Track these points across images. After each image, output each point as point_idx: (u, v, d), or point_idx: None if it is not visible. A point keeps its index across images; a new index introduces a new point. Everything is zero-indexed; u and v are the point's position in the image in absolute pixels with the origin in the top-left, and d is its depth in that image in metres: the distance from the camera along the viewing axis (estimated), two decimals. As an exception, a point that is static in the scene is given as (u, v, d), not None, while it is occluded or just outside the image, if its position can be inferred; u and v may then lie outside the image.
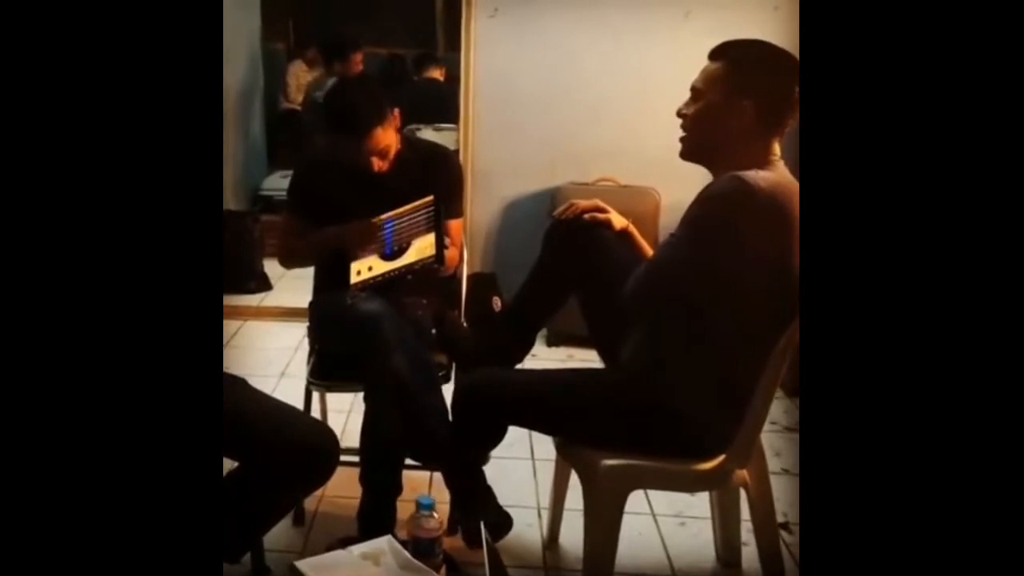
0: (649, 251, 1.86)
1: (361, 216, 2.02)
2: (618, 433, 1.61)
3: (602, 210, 1.84)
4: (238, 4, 4.57)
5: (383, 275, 1.98)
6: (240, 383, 1.74)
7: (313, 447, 1.61)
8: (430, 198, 1.98)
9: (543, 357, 3.16)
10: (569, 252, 1.81)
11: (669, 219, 3.25)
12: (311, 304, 2.15)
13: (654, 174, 3.21)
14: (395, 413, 1.79)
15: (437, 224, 1.95)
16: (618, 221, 1.84)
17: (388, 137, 1.99)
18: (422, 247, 1.95)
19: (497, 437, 1.77)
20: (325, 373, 2.01)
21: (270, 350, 3.17)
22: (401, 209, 2.01)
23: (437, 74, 4.26)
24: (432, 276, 1.93)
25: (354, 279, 2.02)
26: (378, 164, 2.00)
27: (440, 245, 1.92)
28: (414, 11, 6.31)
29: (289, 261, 2.18)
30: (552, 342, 3.23)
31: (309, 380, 2.02)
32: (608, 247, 1.80)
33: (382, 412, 1.81)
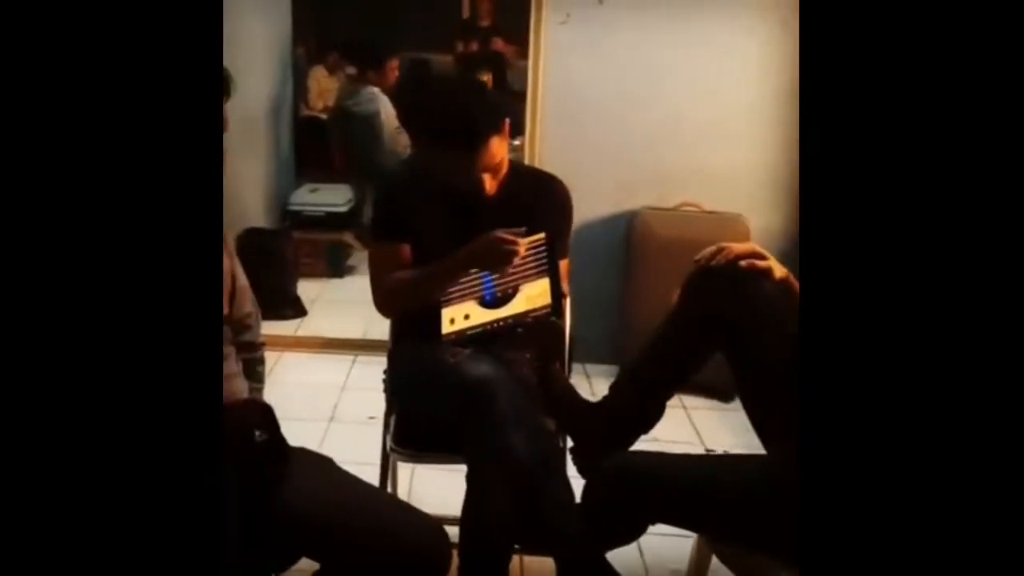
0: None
1: (459, 248, 1.70)
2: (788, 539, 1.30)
3: (761, 256, 1.53)
4: (267, 8, 4.26)
5: (484, 326, 1.67)
6: (327, 464, 1.43)
7: (423, 551, 1.31)
8: (542, 235, 1.67)
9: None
10: (720, 305, 1.51)
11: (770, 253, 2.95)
12: (392, 354, 1.83)
13: (739, 198, 2.93)
14: (508, 500, 1.48)
15: (552, 267, 1.64)
16: (779, 270, 1.54)
17: (502, 150, 1.69)
18: (533, 294, 1.64)
19: (636, 534, 1.46)
20: (412, 440, 1.70)
21: (312, 387, 2.86)
22: (522, 242, 1.69)
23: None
24: (544, 330, 1.63)
25: (447, 328, 1.71)
26: (489, 183, 1.70)
27: (557, 293, 1.61)
28: (441, 13, 6.02)
29: (394, 302, 1.78)
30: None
31: (392, 447, 1.70)
32: (768, 301, 1.50)
33: (492, 498, 1.49)
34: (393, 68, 4.19)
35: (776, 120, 2.91)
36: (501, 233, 1.63)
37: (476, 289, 1.70)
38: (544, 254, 1.65)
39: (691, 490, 1.39)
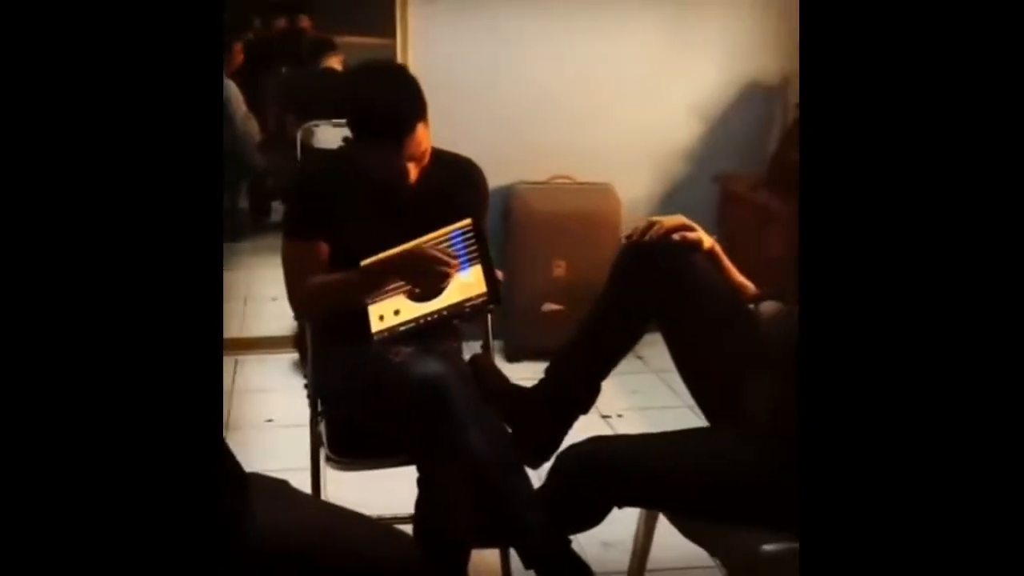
0: (734, 271, 1.62)
1: (381, 244, 1.64)
2: (772, 508, 1.34)
3: (691, 228, 1.57)
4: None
5: (417, 321, 1.61)
6: (282, 488, 1.34)
7: (399, 567, 1.27)
8: (468, 222, 1.63)
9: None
10: (653, 280, 1.53)
11: (631, 218, 3.05)
12: (316, 357, 1.74)
13: (609, 170, 3.01)
14: (468, 497, 1.45)
15: (483, 253, 1.61)
16: (707, 240, 1.59)
17: (427, 138, 1.63)
18: (467, 283, 1.60)
19: (599, 518, 1.48)
20: (350, 446, 1.62)
21: (251, 392, 2.70)
22: (434, 235, 1.64)
23: (335, 63, 3.82)
24: (482, 319, 1.60)
25: (376, 326, 1.64)
26: (413, 172, 1.63)
27: (492, 279, 1.58)
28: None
29: (313, 307, 1.70)
30: (514, 357, 2.94)
31: (329, 456, 1.62)
32: (700, 273, 1.54)
33: (452, 497, 1.46)
34: (238, 51, 4.00)
35: (639, 93, 3.00)
36: (433, 251, 1.59)
37: (425, 279, 1.64)
38: (473, 240, 1.62)
39: (656, 472, 1.41)
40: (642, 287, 1.54)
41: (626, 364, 3.02)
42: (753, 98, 3.09)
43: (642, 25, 2.95)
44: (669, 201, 3.12)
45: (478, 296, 1.58)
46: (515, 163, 2.96)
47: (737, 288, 1.58)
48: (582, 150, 2.99)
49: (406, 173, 1.61)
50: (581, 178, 2.95)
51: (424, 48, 2.83)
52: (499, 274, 1.60)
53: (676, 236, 1.54)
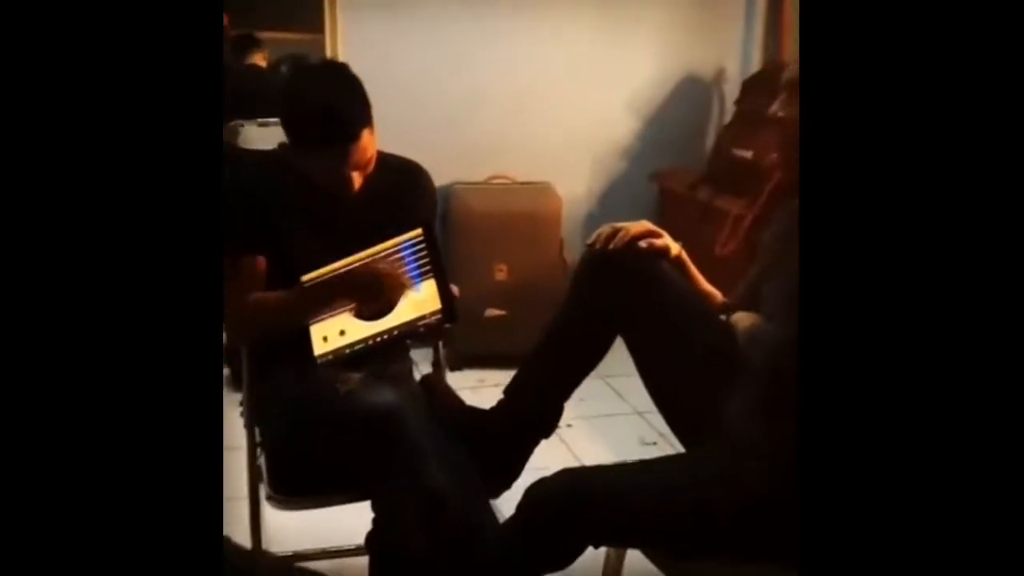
0: (701, 278, 1.54)
1: (323, 257, 1.50)
2: (770, 539, 1.18)
3: (657, 234, 1.49)
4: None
5: (366, 342, 1.49)
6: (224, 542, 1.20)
7: None
8: (419, 232, 1.51)
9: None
10: (620, 290, 1.44)
11: (571, 217, 2.97)
12: (252, 381, 1.58)
13: (547, 169, 2.91)
14: (430, 532, 1.33)
15: (436, 265, 1.49)
16: (673, 247, 1.51)
17: (373, 144, 1.50)
18: (419, 299, 1.48)
19: (573, 558, 1.37)
20: (291, 484, 1.47)
21: None
22: (382, 247, 1.50)
23: (259, 59, 3.59)
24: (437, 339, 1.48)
25: (320, 348, 1.50)
26: (357, 180, 1.50)
27: (447, 295, 1.47)
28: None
29: (250, 328, 1.54)
30: (456, 364, 2.83)
31: (270, 496, 1.47)
32: (669, 281, 1.46)
33: (412, 534, 1.33)
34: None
35: (576, 90, 2.92)
36: (383, 267, 1.46)
37: (367, 295, 1.51)
38: (425, 252, 1.50)
39: (640, 508, 1.26)
40: (608, 297, 1.45)
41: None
42: (688, 93, 3.05)
43: (577, 21, 2.87)
44: (608, 199, 3.05)
45: (432, 314, 1.47)
46: (451, 163, 2.83)
47: (705, 297, 1.50)
48: (519, 149, 2.89)
49: (350, 183, 1.48)
50: (520, 177, 2.85)
51: (354, 44, 2.68)
52: (454, 289, 1.49)
53: (643, 243, 1.45)
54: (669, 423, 1.49)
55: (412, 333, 1.47)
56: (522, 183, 2.84)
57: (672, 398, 1.46)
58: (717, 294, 1.52)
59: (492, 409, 1.54)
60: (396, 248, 1.51)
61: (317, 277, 1.51)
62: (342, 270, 1.51)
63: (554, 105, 2.92)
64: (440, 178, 2.89)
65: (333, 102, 1.43)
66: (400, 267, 1.50)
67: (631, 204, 3.04)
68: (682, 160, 3.02)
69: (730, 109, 3.06)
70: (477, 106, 2.86)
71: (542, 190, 2.82)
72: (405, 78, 2.75)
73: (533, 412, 1.51)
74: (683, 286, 1.47)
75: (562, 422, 2.48)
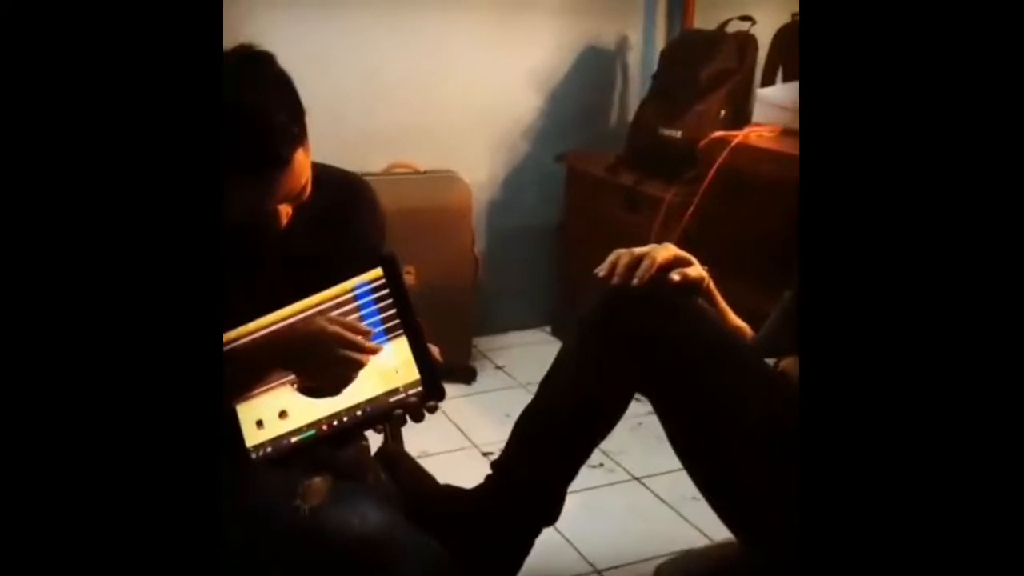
0: (730, 311, 1.27)
1: (244, 312, 1.14)
2: None
3: (687, 261, 1.19)
4: None
5: (318, 428, 1.13)
6: None
7: None
8: (377, 271, 1.16)
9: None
10: (646, 339, 1.14)
11: (483, 209, 2.65)
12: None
13: (449, 155, 2.57)
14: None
15: (406, 318, 1.15)
16: (703, 274, 1.21)
17: (308, 167, 1.13)
18: (387, 366, 1.14)
19: None
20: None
21: None
22: (327, 294, 1.15)
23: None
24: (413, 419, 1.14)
25: (254, 437, 1.14)
26: (286, 214, 1.13)
27: (427, 360, 1.14)
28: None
29: None
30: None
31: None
32: (707, 325, 1.16)
33: None
34: None
35: (472, 69, 2.59)
36: (331, 323, 1.12)
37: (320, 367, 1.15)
38: (390, 300, 1.16)
39: None
40: (631, 348, 1.15)
41: (489, 379, 2.68)
42: (591, 64, 2.78)
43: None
44: (514, 185, 2.75)
45: (408, 387, 1.13)
46: (345, 153, 2.41)
47: (743, 337, 1.25)
48: (419, 134, 2.54)
49: (276, 218, 1.11)
50: (422, 166, 2.50)
51: (241, 33, 2.21)
52: (435, 350, 1.15)
53: (675, 275, 1.15)
54: (722, 515, 1.20)
55: (381, 416, 1.13)
56: (426, 173, 2.49)
57: (723, 481, 1.17)
58: (746, 329, 1.28)
59: (477, 490, 1.24)
60: (347, 295, 1.16)
61: (236, 339, 1.14)
62: (270, 328, 1.14)
63: (452, 87, 2.58)
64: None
65: (252, 112, 1.05)
66: (355, 321, 1.16)
67: (539, 189, 2.76)
68: (587, 140, 2.77)
69: (636, 81, 2.83)
70: (370, 90, 2.48)
71: (448, 179, 2.48)
72: (288, 62, 2.32)
73: (531, 493, 1.22)
74: (723, 330, 1.19)
75: (494, 446, 2.25)
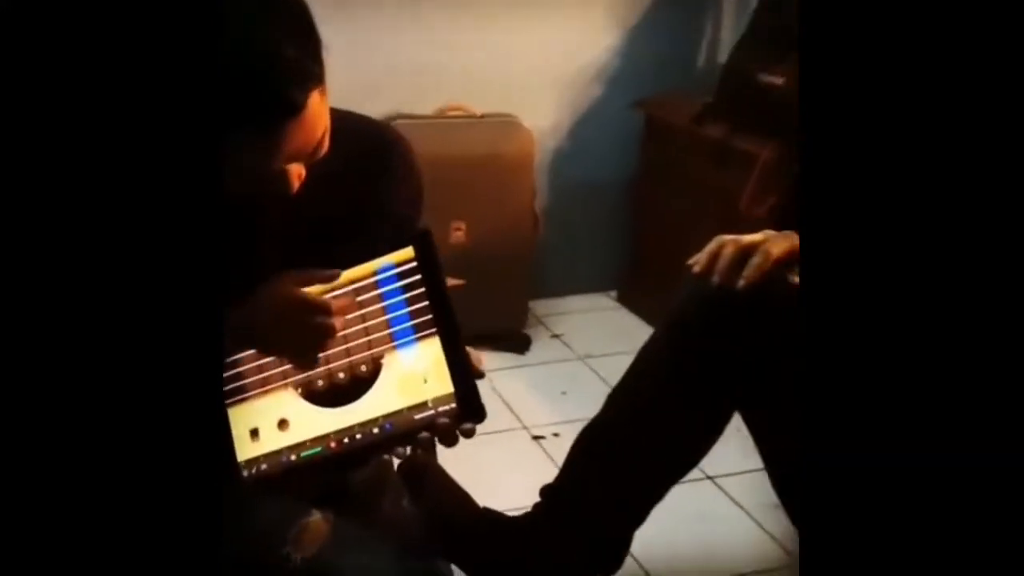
0: None
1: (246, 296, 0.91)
2: None
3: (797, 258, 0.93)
4: None
5: (325, 446, 0.90)
6: None
7: None
8: (407, 251, 0.92)
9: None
10: (753, 354, 0.90)
11: (545, 160, 2.37)
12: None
13: (511, 98, 2.29)
14: None
15: (442, 314, 0.91)
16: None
17: (325, 114, 0.88)
18: (412, 374, 0.90)
19: None
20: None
21: None
22: (344, 276, 0.92)
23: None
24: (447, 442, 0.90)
25: (248, 450, 0.92)
26: (298, 176, 0.89)
27: (464, 367, 0.89)
28: None
29: None
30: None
31: None
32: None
33: None
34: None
35: (541, 9, 2.29)
36: (298, 289, 0.89)
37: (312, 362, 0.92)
38: (421, 288, 0.91)
39: None
40: (735, 369, 0.90)
41: (544, 350, 2.42)
42: (677, 4, 2.45)
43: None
44: (582, 134, 2.46)
45: (439, 402, 0.89)
46: (392, 91, 2.19)
47: None
48: (477, 73, 2.26)
49: (286, 182, 0.87)
50: (479, 109, 2.23)
51: None
52: (478, 357, 0.91)
53: (794, 276, 0.88)
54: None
55: (403, 436, 0.89)
56: (483, 117, 2.22)
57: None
58: None
59: (524, 520, 1.01)
60: (368, 280, 0.92)
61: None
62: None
63: (514, 16, 2.28)
64: (380, 110, 2.25)
65: (253, 46, 0.79)
66: (377, 312, 0.92)
67: (612, 138, 2.45)
68: (670, 84, 2.45)
69: (731, 17, 2.49)
70: (419, 21, 2.20)
71: (508, 124, 2.21)
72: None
73: (589, 533, 0.97)
74: None
75: (546, 430, 2.02)
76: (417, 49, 2.21)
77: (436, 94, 2.23)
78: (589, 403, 2.21)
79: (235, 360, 0.93)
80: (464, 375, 0.89)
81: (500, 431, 1.97)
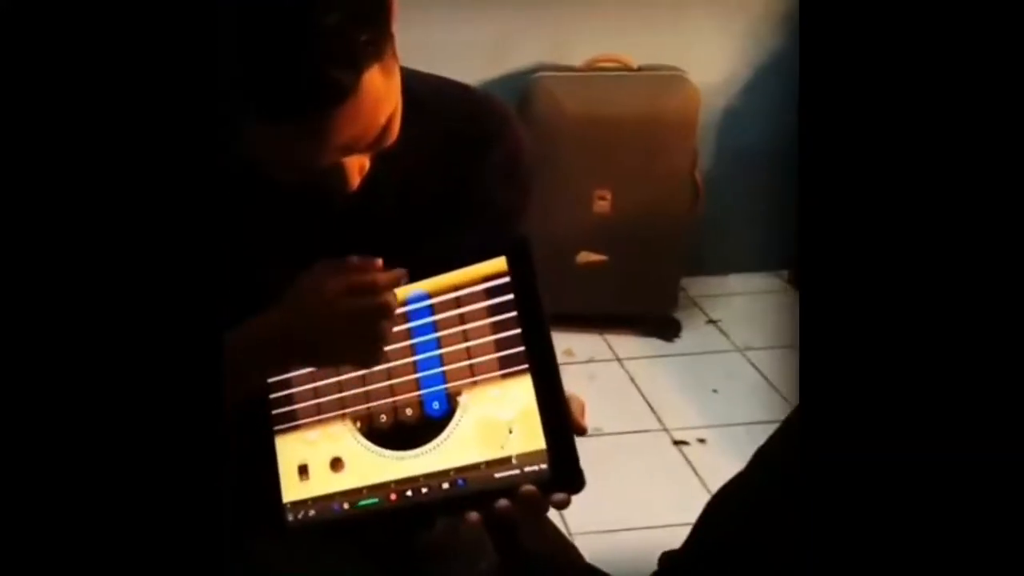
0: None
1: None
2: None
3: None
4: None
5: (386, 495, 0.72)
6: None
7: None
8: (499, 261, 0.72)
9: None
10: None
11: (713, 120, 2.07)
12: None
13: (675, 49, 2.00)
14: None
15: (538, 345, 0.70)
16: None
17: (392, 92, 0.67)
18: (495, 420, 0.70)
19: None
20: None
21: None
22: (424, 286, 0.74)
23: None
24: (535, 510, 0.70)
25: (294, 490, 0.75)
26: (359, 169, 0.70)
27: (561, 416, 0.68)
28: None
29: None
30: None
31: None
32: None
33: None
34: None
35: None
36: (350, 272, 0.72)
37: (350, 390, 0.75)
38: (513, 310, 0.70)
39: None
40: None
41: (696, 338, 2.13)
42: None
43: None
44: (758, 89, 2.14)
45: (524, 461, 0.68)
46: (533, 39, 1.96)
47: None
48: (633, 20, 1.99)
49: (342, 177, 0.68)
50: (636, 61, 1.96)
51: None
52: (580, 405, 0.69)
53: None
54: None
55: (477, 497, 0.69)
56: (639, 70, 1.94)
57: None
58: None
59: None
60: (445, 295, 0.73)
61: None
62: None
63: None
64: (516, 61, 2.03)
65: (283, 17, 0.59)
66: (454, 337, 0.72)
67: (786, 97, 2.11)
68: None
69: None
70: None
71: (671, 79, 1.92)
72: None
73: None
74: None
75: (691, 435, 1.77)
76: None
77: (586, 42, 1.98)
78: (744, 405, 1.97)
79: (285, 380, 0.77)
80: (561, 429, 0.68)
81: (636, 431, 1.75)
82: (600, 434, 1.71)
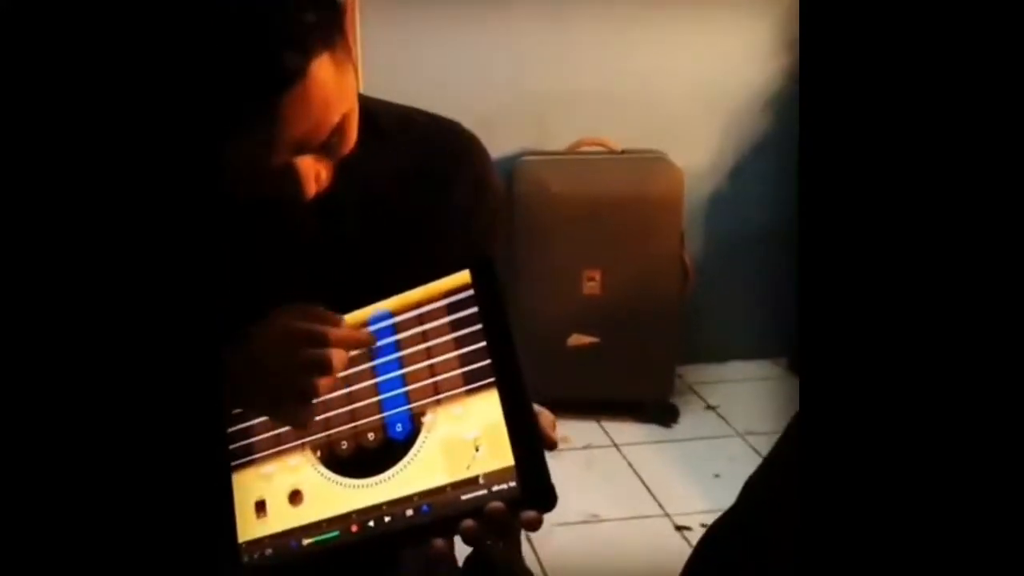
0: None
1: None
2: None
3: None
4: None
5: (347, 527, 0.66)
6: None
7: None
8: (463, 275, 0.69)
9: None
10: None
11: (690, 201, 2.08)
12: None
13: (658, 131, 2.04)
14: None
15: (502, 357, 0.66)
16: None
17: (344, 89, 0.65)
18: (460, 439, 0.65)
19: None
20: None
21: None
22: (386, 305, 0.71)
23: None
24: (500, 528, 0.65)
25: (250, 529, 0.69)
26: (316, 175, 0.67)
27: (529, 431, 0.63)
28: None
29: None
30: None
31: None
32: None
33: None
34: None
35: (693, 28, 2.05)
36: (299, 318, 0.68)
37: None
38: (476, 325, 0.67)
39: None
40: None
41: (696, 423, 2.08)
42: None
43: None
44: (743, 172, 2.16)
45: (491, 479, 0.63)
46: (520, 124, 2.00)
47: None
48: (618, 104, 2.04)
49: (296, 182, 0.66)
50: (619, 144, 2.00)
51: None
52: (550, 420, 0.65)
53: None
54: None
55: (444, 523, 0.64)
56: (624, 152, 1.98)
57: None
58: None
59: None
60: (407, 313, 0.70)
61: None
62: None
63: (662, 41, 2.05)
64: (503, 145, 2.05)
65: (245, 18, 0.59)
66: (417, 355, 0.68)
67: (778, 179, 2.13)
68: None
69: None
70: (553, 45, 2.01)
71: (654, 162, 1.95)
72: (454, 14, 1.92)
73: None
74: None
75: (692, 518, 1.68)
76: (547, 72, 2.02)
77: (570, 126, 2.02)
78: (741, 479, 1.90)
79: (242, 412, 0.73)
80: (529, 444, 0.63)
81: (637, 517, 1.68)
82: (597, 520, 1.64)
